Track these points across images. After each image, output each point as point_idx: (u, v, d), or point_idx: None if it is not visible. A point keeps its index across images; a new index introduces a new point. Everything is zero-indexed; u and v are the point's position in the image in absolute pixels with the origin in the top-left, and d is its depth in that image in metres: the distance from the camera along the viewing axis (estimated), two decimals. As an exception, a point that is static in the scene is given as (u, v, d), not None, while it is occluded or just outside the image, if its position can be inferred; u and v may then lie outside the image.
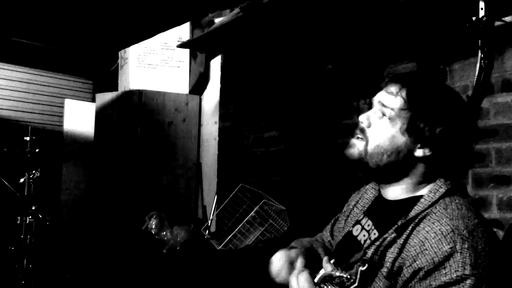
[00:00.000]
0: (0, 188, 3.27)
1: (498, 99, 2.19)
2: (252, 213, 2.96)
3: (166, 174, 3.70)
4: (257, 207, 2.96)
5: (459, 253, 1.04)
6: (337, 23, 2.42)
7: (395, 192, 1.25)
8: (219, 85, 3.79)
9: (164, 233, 3.17)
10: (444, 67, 2.38)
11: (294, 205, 3.03)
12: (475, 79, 1.55)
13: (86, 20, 2.91)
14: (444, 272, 1.04)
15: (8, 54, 4.49)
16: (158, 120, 3.70)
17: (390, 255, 1.14)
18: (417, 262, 1.07)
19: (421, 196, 1.19)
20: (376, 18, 2.28)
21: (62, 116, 4.51)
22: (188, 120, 3.82)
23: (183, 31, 3.79)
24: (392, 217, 1.20)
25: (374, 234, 1.24)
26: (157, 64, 3.80)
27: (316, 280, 1.10)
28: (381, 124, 1.22)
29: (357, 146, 1.25)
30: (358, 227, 1.32)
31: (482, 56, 1.55)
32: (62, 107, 4.50)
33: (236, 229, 2.98)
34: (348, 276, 1.02)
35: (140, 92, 3.66)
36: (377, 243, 1.18)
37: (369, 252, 1.17)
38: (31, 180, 3.25)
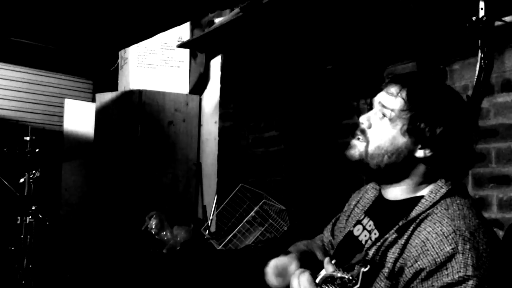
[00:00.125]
0: (0, 188, 3.27)
1: (498, 99, 2.19)
2: (252, 213, 2.96)
3: (166, 174, 3.70)
4: (257, 207, 2.96)
5: (461, 254, 1.04)
6: (337, 23, 2.41)
7: (396, 192, 1.25)
8: (219, 85, 3.79)
9: (164, 233, 3.17)
10: (444, 67, 2.38)
11: (294, 205, 3.03)
12: (475, 79, 1.55)
13: (86, 20, 2.91)
14: (446, 273, 1.04)
15: (8, 54, 4.49)
16: (158, 120, 3.70)
17: (391, 255, 1.14)
18: (418, 262, 1.07)
19: (422, 197, 1.19)
20: (376, 18, 2.28)
21: (62, 116, 4.51)
22: (188, 120, 3.82)
23: (183, 31, 3.79)
24: (393, 217, 1.20)
25: (375, 234, 1.24)
26: (157, 64, 3.80)
27: (317, 280, 1.10)
28: (382, 125, 1.22)
29: (357, 147, 1.25)
30: (359, 227, 1.32)
31: (482, 56, 1.55)
32: (62, 107, 4.50)
33: (236, 229, 2.98)
34: (350, 277, 1.02)
35: (140, 92, 3.65)
36: (378, 243, 1.18)
37: (370, 253, 1.17)
38: (31, 180, 3.24)
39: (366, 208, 1.37)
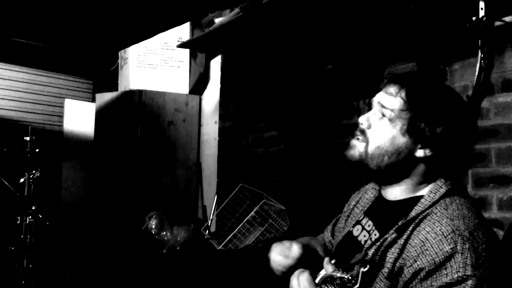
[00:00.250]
0: (0, 188, 3.27)
1: (498, 99, 2.19)
2: (252, 213, 2.96)
3: (166, 174, 3.70)
4: (257, 207, 2.96)
5: (460, 254, 1.04)
6: (337, 23, 2.42)
7: (396, 192, 1.25)
8: (219, 85, 3.79)
9: (164, 233, 3.17)
10: (444, 67, 2.38)
11: (294, 205, 3.03)
12: (475, 79, 1.55)
13: (86, 20, 2.92)
14: (445, 272, 1.04)
15: (8, 54, 4.49)
16: (158, 120, 3.70)
17: (391, 255, 1.14)
18: (417, 262, 1.07)
19: (421, 196, 1.19)
20: (376, 18, 2.28)
21: (62, 116, 4.51)
22: (188, 120, 3.82)
23: (183, 31, 3.79)
24: (393, 217, 1.20)
25: (375, 234, 1.24)
26: (157, 64, 3.80)
27: (317, 280, 1.10)
28: (381, 125, 1.22)
29: (357, 147, 1.25)
30: (359, 227, 1.32)
31: (482, 56, 1.55)
32: (62, 107, 4.50)
33: (236, 229, 2.98)
34: (349, 277, 1.02)
35: (140, 92, 3.66)
36: (378, 243, 1.18)
37: (370, 253, 1.17)
38: (31, 180, 3.24)
39: (366, 208, 1.37)
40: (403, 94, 1.20)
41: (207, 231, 3.39)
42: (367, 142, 1.24)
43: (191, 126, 3.84)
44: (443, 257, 1.05)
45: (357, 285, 1.01)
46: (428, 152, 1.19)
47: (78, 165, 4.37)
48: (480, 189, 2.20)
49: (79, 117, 4.43)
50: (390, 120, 1.21)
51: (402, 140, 1.20)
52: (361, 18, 2.30)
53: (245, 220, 2.98)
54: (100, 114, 3.89)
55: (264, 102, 3.41)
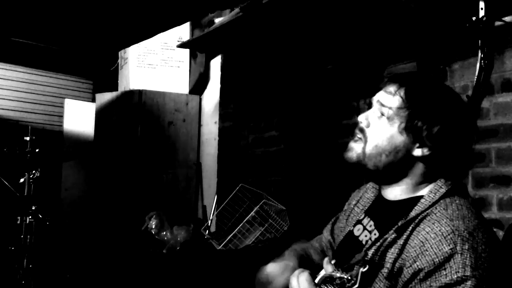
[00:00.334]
0: (0, 188, 3.27)
1: (498, 99, 2.19)
2: (252, 213, 2.96)
3: (166, 174, 3.70)
4: (257, 207, 2.96)
5: (459, 254, 1.04)
6: (337, 23, 2.41)
7: (395, 192, 1.25)
8: (219, 85, 3.79)
9: (164, 233, 3.17)
10: (444, 67, 2.38)
11: (294, 205, 3.03)
12: (475, 79, 1.55)
13: (86, 20, 2.91)
14: (444, 273, 1.04)
15: (8, 54, 4.49)
16: (158, 120, 3.70)
17: (391, 255, 1.13)
18: (417, 263, 1.07)
19: (421, 197, 1.19)
20: (376, 18, 2.28)
21: (62, 116, 4.51)
22: (188, 120, 3.82)
23: (183, 31, 3.79)
24: (393, 217, 1.19)
25: (375, 234, 1.24)
26: (157, 64, 3.80)
27: (316, 280, 1.10)
28: (380, 124, 1.22)
29: (355, 149, 1.25)
30: (360, 227, 1.32)
31: (482, 56, 1.55)
32: (62, 107, 4.50)
33: (236, 229, 2.98)
34: (349, 277, 1.02)
35: (140, 92, 3.66)
36: (378, 243, 1.17)
37: (370, 253, 1.17)
38: (31, 180, 3.24)
39: (366, 208, 1.37)
40: (402, 92, 1.21)
41: (207, 231, 3.38)
42: (365, 141, 1.24)
43: (191, 126, 3.84)
44: (442, 257, 1.05)
45: (357, 285, 1.01)
46: (426, 151, 1.18)
47: (78, 165, 4.37)
48: (480, 189, 2.20)
49: (79, 117, 4.43)
50: (389, 118, 1.21)
51: (400, 139, 1.20)
52: (361, 18, 2.30)
53: (245, 220, 2.98)
54: (100, 114, 3.89)
55: (264, 102, 3.41)
